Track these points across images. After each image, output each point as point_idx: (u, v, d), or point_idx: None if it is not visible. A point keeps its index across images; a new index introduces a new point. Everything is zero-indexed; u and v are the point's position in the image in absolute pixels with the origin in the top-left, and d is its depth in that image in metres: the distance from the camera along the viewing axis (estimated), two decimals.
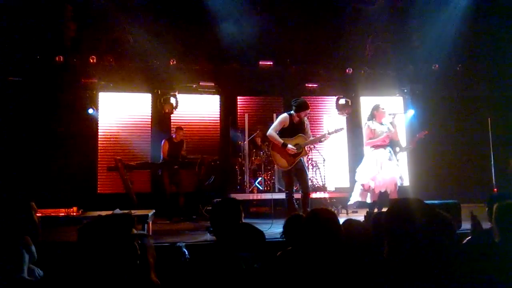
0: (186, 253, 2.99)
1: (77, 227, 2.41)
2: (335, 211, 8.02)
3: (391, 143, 6.77)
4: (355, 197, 6.73)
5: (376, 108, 6.67)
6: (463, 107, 10.29)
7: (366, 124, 6.71)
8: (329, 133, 6.37)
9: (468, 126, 10.04)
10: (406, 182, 9.82)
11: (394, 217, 1.93)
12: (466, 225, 4.47)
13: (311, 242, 2.33)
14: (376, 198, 6.49)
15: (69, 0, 8.78)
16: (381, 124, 6.59)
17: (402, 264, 1.88)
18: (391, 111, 6.69)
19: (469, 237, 3.10)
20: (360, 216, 6.74)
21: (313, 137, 6.46)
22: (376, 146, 6.53)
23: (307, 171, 6.47)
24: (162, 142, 8.23)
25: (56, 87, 9.03)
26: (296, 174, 6.19)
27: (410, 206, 1.93)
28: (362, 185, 6.57)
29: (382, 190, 6.38)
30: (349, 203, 7.01)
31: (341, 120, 10.20)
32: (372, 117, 6.68)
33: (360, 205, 7.08)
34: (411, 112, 10.44)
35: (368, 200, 6.56)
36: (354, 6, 9.39)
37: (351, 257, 2.30)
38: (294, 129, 6.15)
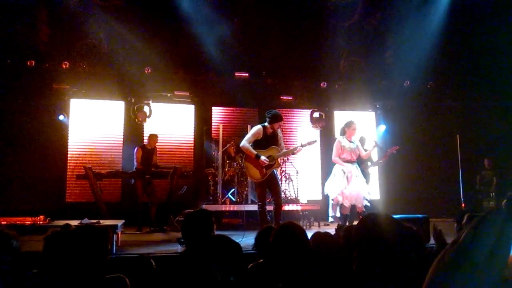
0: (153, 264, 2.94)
1: (43, 235, 2.34)
2: (307, 224, 8.09)
3: (359, 160, 7.03)
4: (331, 212, 6.84)
5: (348, 125, 6.84)
6: (433, 123, 10.55)
7: (337, 139, 6.89)
8: (302, 146, 6.45)
9: (438, 142, 10.30)
10: (376, 196, 10.00)
11: (363, 230, 1.96)
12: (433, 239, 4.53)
13: (280, 256, 2.33)
14: (347, 211, 6.63)
15: (44, 3, 8.65)
16: (351, 141, 6.78)
17: (371, 276, 1.90)
18: (372, 140, 7.07)
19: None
20: (331, 229, 6.78)
21: (286, 149, 6.50)
22: (344, 161, 6.70)
23: (280, 183, 6.49)
24: (135, 149, 8.11)
25: (27, 92, 8.82)
26: (269, 186, 6.20)
27: (379, 220, 1.96)
28: (332, 199, 6.74)
29: (349, 204, 6.55)
30: (329, 220, 7.05)
31: (315, 133, 10.30)
32: (343, 132, 6.87)
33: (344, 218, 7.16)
34: (383, 127, 10.64)
35: (338, 214, 6.68)
36: (330, 21, 9.56)
37: (320, 269, 2.31)
38: (267, 141, 6.18)
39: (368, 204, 6.70)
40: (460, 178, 8.96)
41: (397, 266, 1.85)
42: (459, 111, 10.60)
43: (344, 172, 6.66)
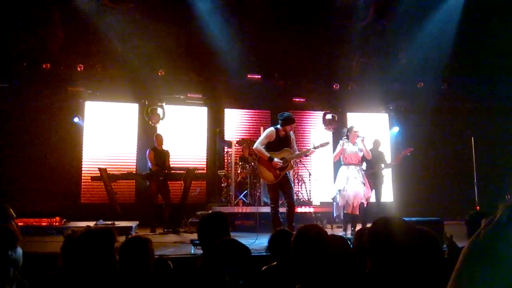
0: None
1: (59, 236, 2.38)
2: (320, 226, 8.07)
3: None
4: (334, 212, 7.24)
5: (349, 130, 7.23)
6: (447, 125, 10.46)
7: (340, 141, 7.20)
8: (314, 147, 6.49)
9: (452, 144, 10.20)
10: (390, 198, 9.95)
11: (375, 234, 1.97)
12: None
13: (301, 258, 2.34)
14: (346, 211, 6.90)
15: (58, 7, 8.76)
16: (354, 144, 7.08)
17: (385, 280, 1.91)
18: (361, 134, 7.11)
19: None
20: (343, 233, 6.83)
21: (299, 151, 6.50)
22: (346, 164, 7.04)
23: (292, 185, 6.49)
24: (147, 152, 8.15)
25: (42, 94, 8.94)
26: (282, 188, 6.20)
27: (391, 224, 1.96)
28: (332, 199, 7.15)
29: (345, 204, 6.85)
30: (334, 215, 7.38)
31: (327, 135, 10.27)
32: (346, 137, 7.20)
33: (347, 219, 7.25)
34: (396, 129, 10.58)
35: (335, 213, 7.12)
36: (342, 23, 9.53)
37: (337, 271, 2.32)
38: (280, 143, 6.17)
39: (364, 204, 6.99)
40: (475, 180, 8.86)
41: (410, 268, 1.86)
42: (473, 113, 10.49)
43: (344, 173, 6.98)
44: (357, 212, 6.91)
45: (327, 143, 6.76)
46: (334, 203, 7.14)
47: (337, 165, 10.10)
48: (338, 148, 7.12)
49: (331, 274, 2.25)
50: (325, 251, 2.34)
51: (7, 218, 3.21)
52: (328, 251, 2.37)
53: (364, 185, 6.96)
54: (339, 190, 6.92)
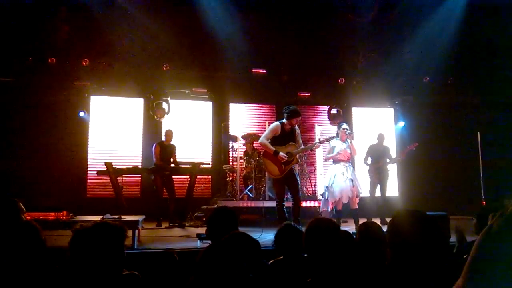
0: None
1: (66, 230, 2.39)
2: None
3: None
4: (321, 207, 7.51)
5: (338, 127, 7.47)
6: (453, 120, 10.41)
7: (331, 141, 7.28)
8: (320, 142, 6.58)
9: (458, 139, 10.16)
10: (395, 193, 9.94)
11: (395, 226, 2.01)
12: (454, 238, 4.51)
13: (313, 252, 2.37)
14: (340, 207, 7.12)
15: (63, 2, 8.77)
16: (344, 142, 7.25)
17: (404, 270, 1.95)
18: (348, 131, 7.29)
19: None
20: (349, 226, 6.84)
21: (304, 145, 6.50)
22: (335, 161, 7.26)
23: (298, 179, 6.49)
24: (154, 146, 8.18)
25: (48, 89, 8.97)
26: (287, 183, 6.20)
27: (411, 217, 2.01)
28: (321, 195, 7.42)
29: (333, 201, 7.08)
30: (320, 210, 7.65)
31: (333, 130, 10.26)
32: (337, 135, 7.40)
33: (350, 214, 7.36)
34: (402, 124, 10.55)
35: (328, 209, 7.29)
36: (347, 17, 9.49)
37: (346, 265, 2.33)
38: (285, 138, 6.17)
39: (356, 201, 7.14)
40: (481, 175, 8.84)
41: (426, 258, 1.89)
42: (480, 108, 10.44)
43: (332, 171, 7.22)
44: (356, 207, 7.11)
45: (332, 138, 6.94)
46: (322, 198, 7.43)
47: None
48: (329, 148, 7.34)
49: (341, 267, 2.27)
50: (337, 244, 2.36)
51: (17, 212, 3.24)
52: (340, 244, 2.39)
53: (352, 181, 7.10)
54: (327, 187, 7.20)
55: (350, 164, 7.36)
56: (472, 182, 9.13)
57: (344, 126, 7.36)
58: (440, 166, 10.15)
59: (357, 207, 7.15)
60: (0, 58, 8.52)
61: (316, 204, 8.64)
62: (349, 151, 7.24)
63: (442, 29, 9.49)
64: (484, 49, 9.96)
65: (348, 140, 7.23)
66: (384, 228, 2.89)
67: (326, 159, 7.63)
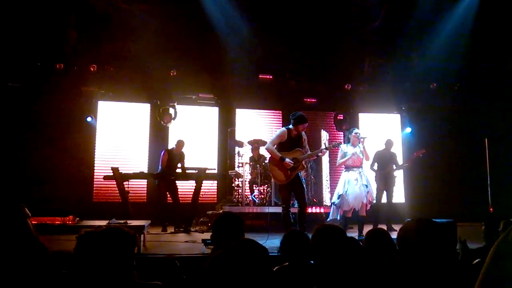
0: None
1: (73, 235, 2.39)
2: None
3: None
4: (330, 215, 7.19)
5: (350, 132, 7.27)
6: (460, 126, 10.35)
7: (342, 146, 7.18)
8: (326, 148, 6.55)
9: (465, 145, 10.09)
10: (402, 200, 9.88)
11: (405, 234, 2.03)
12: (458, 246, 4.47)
13: (319, 258, 2.36)
14: (350, 214, 6.95)
15: (71, 8, 8.84)
16: (355, 147, 7.08)
17: (414, 276, 1.96)
18: (361, 136, 7.10)
19: (479, 259, 3.11)
20: (355, 233, 6.80)
21: (310, 151, 6.48)
22: (347, 168, 7.09)
23: (304, 186, 6.47)
24: (162, 152, 8.19)
25: (56, 94, 9.03)
26: (293, 189, 6.18)
27: (420, 225, 2.02)
28: (333, 203, 7.13)
29: (347, 209, 6.88)
30: (327, 220, 7.32)
31: (339, 136, 10.25)
32: (347, 140, 7.26)
33: (356, 221, 7.26)
34: (408, 130, 10.50)
35: (338, 217, 7.02)
36: (354, 23, 9.49)
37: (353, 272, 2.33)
38: (292, 143, 6.16)
39: (367, 209, 6.95)
40: (488, 182, 8.77)
41: (434, 267, 1.90)
42: (487, 114, 10.37)
43: (345, 178, 7.01)
44: (364, 214, 6.94)
45: (339, 144, 6.89)
46: (333, 206, 7.19)
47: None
48: (339, 153, 7.19)
49: (348, 273, 2.26)
50: (344, 251, 2.35)
51: (23, 217, 3.25)
52: (347, 250, 2.38)
53: (367, 187, 6.94)
54: (341, 195, 6.97)
55: (362, 170, 7.17)
56: (480, 188, 9.06)
57: (356, 130, 7.21)
58: (447, 172, 10.09)
59: (365, 214, 6.99)
60: (8, 64, 8.60)
61: (322, 210, 8.62)
62: (362, 156, 7.06)
63: (449, 35, 9.46)
64: (492, 54, 9.90)
65: (360, 145, 7.07)
66: (391, 235, 2.89)
67: (338, 165, 7.41)
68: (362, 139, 7.06)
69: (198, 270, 2.34)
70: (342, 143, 7.25)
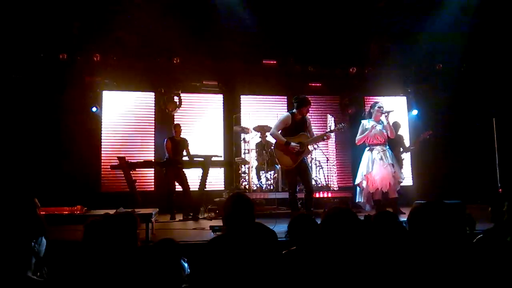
0: (186, 266, 2.96)
1: (81, 225, 2.40)
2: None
3: (389, 142, 6.95)
4: (358, 198, 6.87)
5: (372, 106, 6.84)
6: (467, 107, 10.23)
7: (363, 121, 6.84)
8: (331, 131, 6.46)
9: (473, 126, 9.98)
10: (409, 182, 9.83)
11: (415, 216, 2.03)
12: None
13: (329, 240, 2.36)
14: (379, 196, 6.59)
15: None
16: (378, 123, 6.70)
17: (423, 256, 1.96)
18: (385, 110, 6.72)
19: (480, 235, 3.10)
20: (403, 218, 6.72)
21: (315, 135, 6.44)
22: (370, 145, 6.68)
23: (310, 170, 6.46)
24: (165, 141, 8.21)
25: (60, 85, 9.01)
26: (299, 174, 6.17)
27: (430, 207, 2.01)
28: (357, 185, 6.75)
29: (373, 190, 6.55)
30: (356, 200, 7.01)
31: (344, 119, 10.18)
32: (369, 115, 6.84)
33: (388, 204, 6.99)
34: (415, 112, 10.41)
35: (363, 200, 6.71)
36: (358, 5, 9.34)
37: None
38: (296, 128, 6.14)
39: (397, 188, 6.59)
40: (497, 162, 8.69)
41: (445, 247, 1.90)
42: (494, 94, 10.23)
43: (369, 157, 6.61)
44: (395, 195, 6.56)
45: (343, 126, 6.64)
46: (358, 188, 6.79)
47: (356, 149, 10.11)
48: (360, 128, 6.75)
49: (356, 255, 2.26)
50: (355, 232, 2.34)
51: (33, 208, 3.29)
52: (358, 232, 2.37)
53: (393, 166, 6.54)
54: (364, 175, 6.57)
55: (388, 147, 6.74)
56: (488, 169, 8.98)
57: (380, 104, 6.77)
58: (454, 153, 10.01)
59: (397, 195, 6.58)
60: (11, 55, 8.58)
61: (330, 195, 8.60)
62: (386, 132, 6.66)
63: (455, 15, 9.30)
64: (497, 34, 9.73)
65: (384, 120, 6.63)
66: (400, 217, 2.87)
67: (358, 142, 6.88)
68: (386, 113, 6.65)
69: (205, 253, 2.34)
70: (347, 125, 7.02)
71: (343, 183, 9.93)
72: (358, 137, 6.77)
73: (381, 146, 6.64)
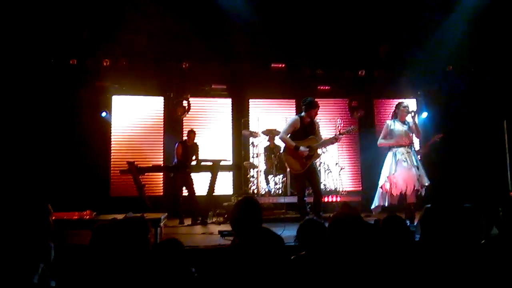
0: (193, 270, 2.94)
1: (90, 230, 2.40)
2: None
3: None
4: (375, 201, 6.49)
5: (397, 106, 6.52)
6: (477, 109, 10.13)
7: (387, 122, 6.54)
8: (341, 134, 6.33)
9: (483, 128, 9.87)
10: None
11: (427, 218, 2.00)
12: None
13: (335, 245, 2.34)
14: (394, 201, 6.31)
15: (83, 3, 8.84)
16: (404, 123, 6.41)
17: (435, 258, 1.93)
18: (411, 109, 6.46)
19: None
20: (372, 220, 6.65)
21: (324, 139, 6.39)
22: (394, 146, 6.35)
23: (319, 174, 6.41)
24: (176, 145, 8.24)
25: (70, 90, 9.08)
26: (308, 178, 6.14)
27: (441, 210, 1.97)
28: (381, 187, 6.39)
29: (396, 193, 6.23)
30: (372, 207, 6.63)
31: (354, 123, 10.13)
32: (394, 115, 6.52)
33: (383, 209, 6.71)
34: (425, 115, 10.33)
35: (386, 203, 6.35)
36: (367, 6, 9.30)
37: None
38: (305, 131, 6.11)
39: (422, 193, 6.27)
40: (508, 165, 8.59)
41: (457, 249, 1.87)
42: (505, 95, 10.12)
43: (393, 158, 6.30)
44: (414, 200, 6.23)
45: (353, 129, 6.49)
46: (380, 190, 6.40)
47: (365, 153, 10.08)
48: (384, 129, 6.48)
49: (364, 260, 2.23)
50: (361, 237, 2.32)
51: (47, 214, 3.31)
52: (364, 237, 2.35)
53: (418, 168, 6.24)
54: (388, 177, 6.25)
55: (413, 149, 6.46)
56: (499, 172, 8.88)
57: (405, 104, 6.48)
58: (464, 156, 9.90)
59: (415, 200, 6.24)
60: (22, 61, 8.66)
61: (339, 199, 8.55)
62: (411, 134, 6.37)
63: (465, 16, 9.23)
64: (507, 35, 9.64)
65: (410, 120, 6.35)
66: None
67: (380, 145, 6.55)
68: (412, 113, 6.38)
69: (215, 262, 2.33)
70: (355, 128, 6.81)
71: (352, 187, 9.87)
72: (381, 140, 6.50)
73: (406, 148, 6.34)
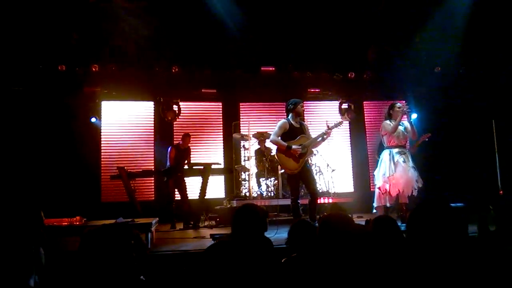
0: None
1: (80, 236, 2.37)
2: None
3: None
4: (376, 202, 6.49)
5: (391, 107, 6.54)
6: (466, 109, 10.21)
7: (385, 122, 6.54)
8: (330, 128, 6.19)
9: (472, 128, 9.95)
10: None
11: (415, 217, 1.99)
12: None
13: (326, 247, 2.33)
14: (392, 201, 6.33)
15: (71, 9, 8.79)
16: (400, 124, 6.40)
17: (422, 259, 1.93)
18: (406, 109, 6.45)
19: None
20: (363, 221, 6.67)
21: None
22: (390, 147, 6.40)
23: (313, 174, 6.40)
24: (169, 149, 8.20)
25: (59, 96, 9.02)
26: (302, 178, 6.12)
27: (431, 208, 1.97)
28: (379, 188, 6.40)
29: (395, 194, 6.25)
30: (373, 211, 6.61)
31: (344, 125, 10.16)
32: (389, 116, 6.54)
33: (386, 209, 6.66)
34: (414, 116, 10.37)
35: (388, 204, 6.34)
36: (356, 9, 9.35)
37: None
38: (294, 132, 6.13)
39: (415, 194, 6.26)
40: (497, 164, 8.65)
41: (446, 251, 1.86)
42: (493, 96, 10.22)
43: (390, 159, 6.28)
44: (406, 201, 6.22)
45: (341, 122, 6.39)
46: (377, 191, 6.41)
47: (356, 154, 10.11)
48: (382, 131, 6.47)
49: (354, 262, 2.23)
50: (351, 238, 2.32)
51: (40, 221, 3.29)
52: (354, 238, 2.35)
53: (415, 169, 6.25)
54: (387, 177, 6.19)
55: (409, 149, 6.47)
56: (488, 171, 8.94)
57: (399, 104, 6.47)
58: (454, 156, 9.97)
59: (407, 200, 6.22)
60: (10, 68, 8.59)
61: (331, 201, 8.56)
62: (407, 134, 6.37)
63: (453, 18, 9.30)
64: (497, 35, 9.73)
65: (405, 122, 6.34)
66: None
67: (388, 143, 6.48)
68: (407, 112, 6.32)
69: (199, 263, 2.32)
70: (343, 121, 6.73)
71: (343, 189, 9.88)
72: (386, 138, 6.47)
73: (402, 148, 6.38)
